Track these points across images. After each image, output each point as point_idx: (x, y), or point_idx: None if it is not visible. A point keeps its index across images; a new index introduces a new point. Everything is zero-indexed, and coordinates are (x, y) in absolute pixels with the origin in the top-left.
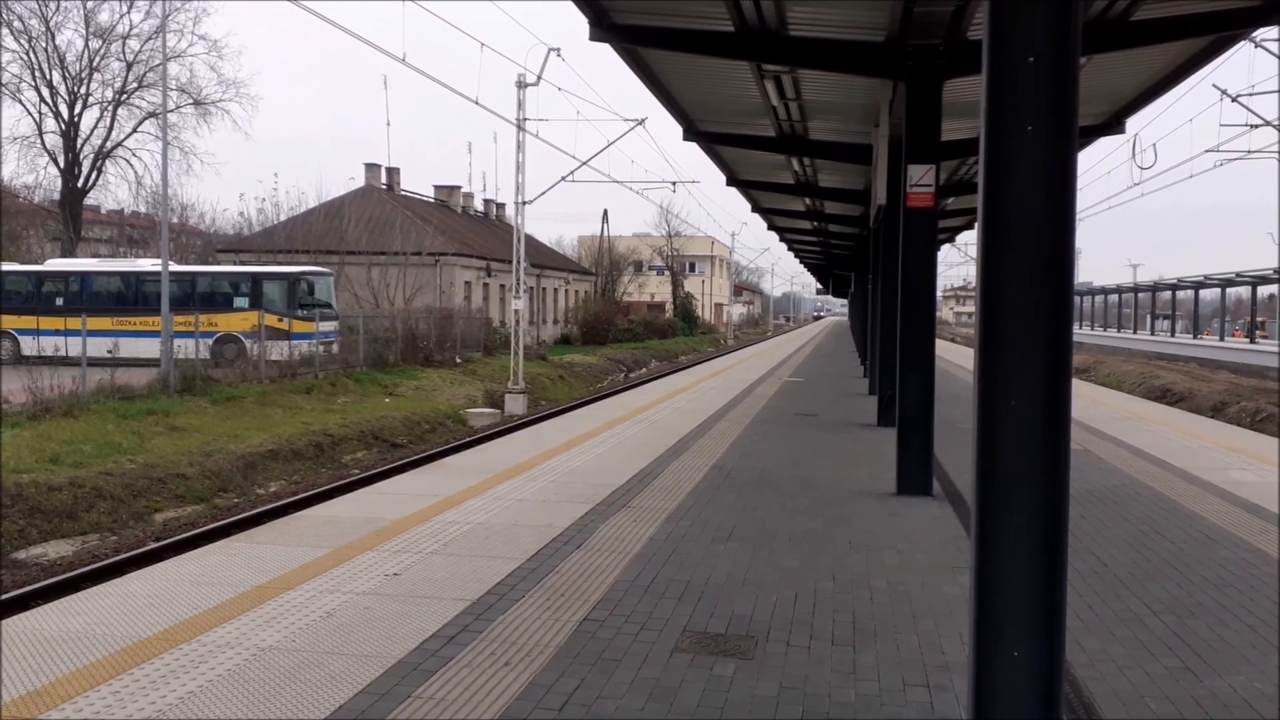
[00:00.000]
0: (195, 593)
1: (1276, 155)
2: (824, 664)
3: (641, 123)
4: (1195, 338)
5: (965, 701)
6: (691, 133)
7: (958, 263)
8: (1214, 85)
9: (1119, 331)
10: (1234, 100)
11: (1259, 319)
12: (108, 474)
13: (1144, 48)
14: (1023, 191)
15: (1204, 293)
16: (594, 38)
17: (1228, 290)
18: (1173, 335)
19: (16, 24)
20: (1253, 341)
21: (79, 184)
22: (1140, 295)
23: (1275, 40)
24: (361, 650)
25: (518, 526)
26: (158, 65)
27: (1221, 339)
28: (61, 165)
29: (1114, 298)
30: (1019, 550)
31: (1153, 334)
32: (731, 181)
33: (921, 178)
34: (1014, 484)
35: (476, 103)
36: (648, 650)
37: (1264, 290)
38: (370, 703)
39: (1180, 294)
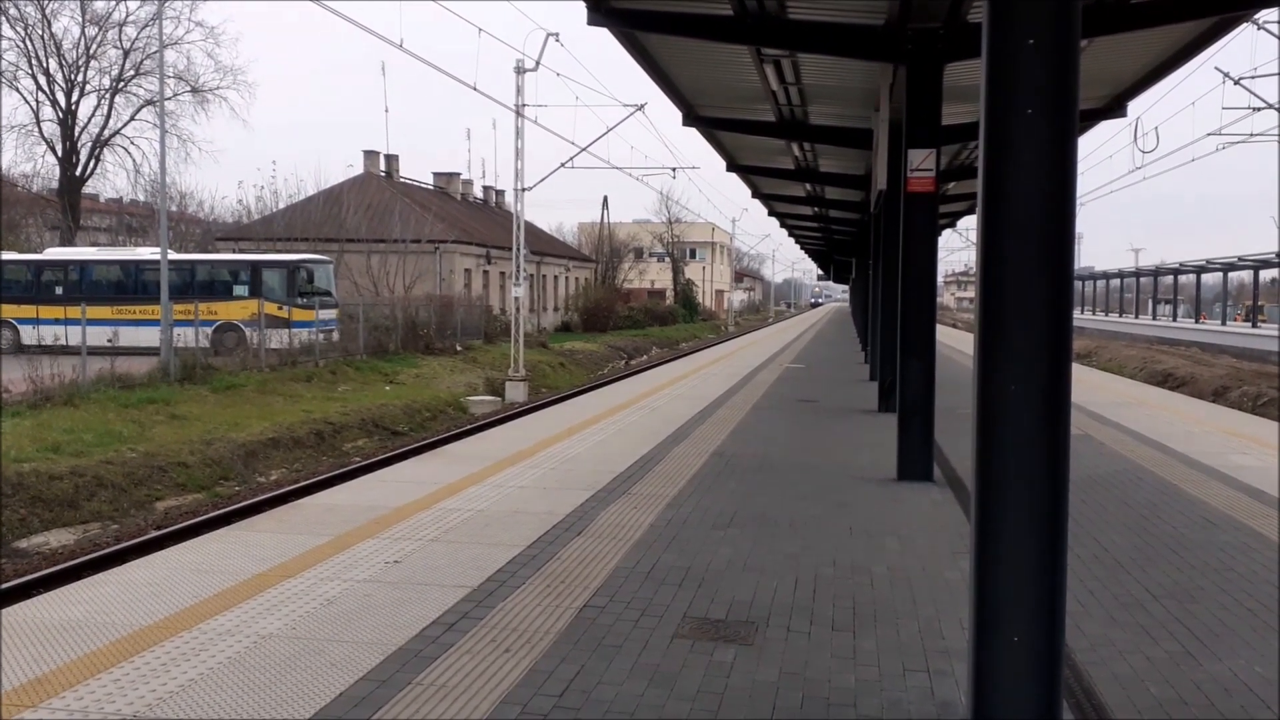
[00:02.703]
0: (196, 580)
1: (1278, 138)
2: (824, 649)
3: (641, 108)
4: (1197, 322)
5: (965, 686)
6: (691, 118)
7: (959, 248)
8: (1216, 68)
9: (1120, 316)
10: (1236, 83)
11: (1260, 303)
12: (109, 463)
13: (1145, 30)
14: (1023, 176)
15: (1206, 277)
16: (592, 22)
17: (1230, 275)
18: (1174, 320)
19: (12, 11)
20: (1254, 326)
21: (77, 173)
22: (1142, 280)
23: (1277, 22)
24: (362, 637)
25: (518, 514)
26: (154, 53)
27: (1223, 323)
28: (59, 154)
29: (1115, 282)
30: (1019, 535)
31: (1154, 319)
32: (732, 167)
33: (922, 162)
34: (1014, 469)
35: (475, 88)
36: (648, 636)
37: (1266, 274)
38: (371, 689)
39: (1182, 278)
